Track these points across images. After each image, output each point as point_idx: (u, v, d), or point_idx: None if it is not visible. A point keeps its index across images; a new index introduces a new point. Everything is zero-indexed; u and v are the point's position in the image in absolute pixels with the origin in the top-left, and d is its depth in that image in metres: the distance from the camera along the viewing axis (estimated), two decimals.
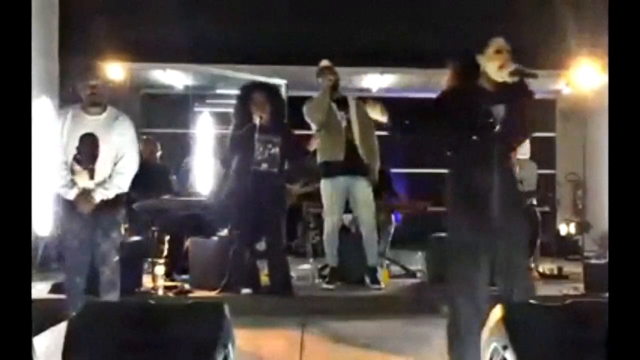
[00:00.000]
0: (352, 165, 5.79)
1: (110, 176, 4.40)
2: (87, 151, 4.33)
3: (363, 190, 5.86)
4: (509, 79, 3.56)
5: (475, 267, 3.49)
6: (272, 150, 5.52)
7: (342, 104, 5.93)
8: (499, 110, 3.58)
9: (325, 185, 5.91)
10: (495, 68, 3.62)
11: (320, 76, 5.91)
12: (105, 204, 4.41)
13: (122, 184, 4.46)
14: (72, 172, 4.36)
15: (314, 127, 5.90)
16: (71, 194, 4.34)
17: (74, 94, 4.50)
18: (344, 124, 5.84)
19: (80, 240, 4.41)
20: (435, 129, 3.71)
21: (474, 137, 3.56)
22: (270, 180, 5.52)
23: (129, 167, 4.48)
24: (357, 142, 5.82)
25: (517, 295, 3.43)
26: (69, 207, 4.42)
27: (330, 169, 5.86)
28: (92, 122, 4.39)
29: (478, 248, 3.50)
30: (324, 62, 5.98)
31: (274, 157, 5.53)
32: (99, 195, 4.36)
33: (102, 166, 4.38)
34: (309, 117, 5.90)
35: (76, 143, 4.33)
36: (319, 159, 5.93)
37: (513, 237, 3.55)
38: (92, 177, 4.35)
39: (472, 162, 3.60)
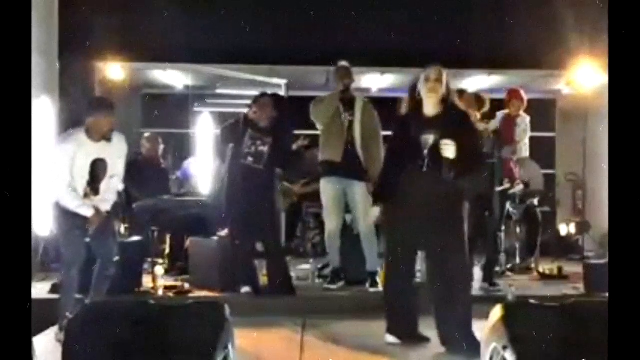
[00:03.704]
0: (348, 168, 5.68)
1: (106, 190, 4.71)
2: (99, 176, 4.64)
3: (360, 194, 5.71)
4: (439, 109, 3.82)
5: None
6: (260, 148, 5.50)
7: (349, 103, 5.80)
8: (432, 140, 3.77)
9: (323, 186, 5.85)
10: (426, 97, 3.83)
11: (336, 77, 5.82)
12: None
13: (115, 196, 4.89)
14: (85, 194, 4.62)
15: (318, 126, 5.86)
16: (88, 213, 4.57)
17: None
18: (346, 124, 5.74)
19: (76, 244, 4.60)
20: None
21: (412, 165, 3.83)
22: (257, 176, 5.48)
23: (119, 181, 4.89)
24: (358, 144, 5.72)
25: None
26: (68, 213, 4.57)
27: (328, 170, 5.80)
28: (99, 149, 4.59)
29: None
30: (342, 63, 5.85)
31: (261, 154, 5.50)
32: (104, 208, 4.68)
33: (103, 184, 4.70)
34: (315, 118, 5.82)
35: (87, 168, 4.56)
36: (320, 157, 5.89)
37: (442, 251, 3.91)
38: (97, 194, 4.67)
39: (408, 184, 3.90)
